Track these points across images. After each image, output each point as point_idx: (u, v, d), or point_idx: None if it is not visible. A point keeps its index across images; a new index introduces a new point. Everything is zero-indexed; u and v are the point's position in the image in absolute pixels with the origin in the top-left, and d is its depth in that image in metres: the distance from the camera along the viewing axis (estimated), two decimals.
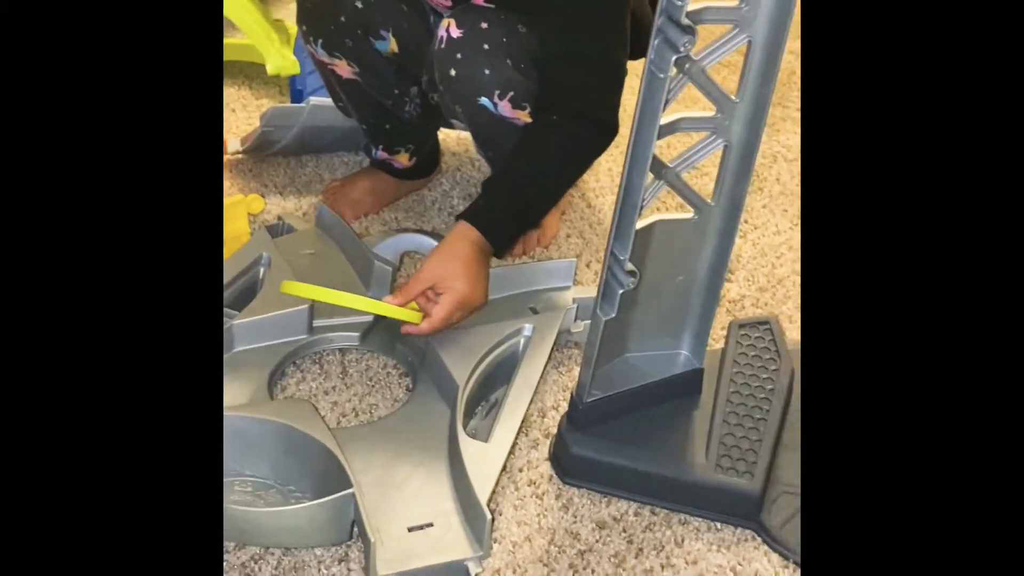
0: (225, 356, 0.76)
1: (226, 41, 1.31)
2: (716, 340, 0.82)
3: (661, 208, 1.03)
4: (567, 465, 0.70)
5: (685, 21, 0.50)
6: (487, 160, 0.96)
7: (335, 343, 0.82)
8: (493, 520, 0.64)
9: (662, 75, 0.53)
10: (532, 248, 0.99)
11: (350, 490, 0.62)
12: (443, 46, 0.82)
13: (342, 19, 0.86)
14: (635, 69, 1.10)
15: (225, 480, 0.65)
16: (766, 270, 0.97)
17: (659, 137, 0.57)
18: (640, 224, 0.61)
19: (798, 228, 1.04)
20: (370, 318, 0.81)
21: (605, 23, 0.78)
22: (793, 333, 0.88)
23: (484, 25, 0.80)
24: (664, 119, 0.56)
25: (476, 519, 0.62)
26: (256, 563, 0.64)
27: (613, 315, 0.63)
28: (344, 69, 0.90)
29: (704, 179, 0.99)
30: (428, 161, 1.06)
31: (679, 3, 0.50)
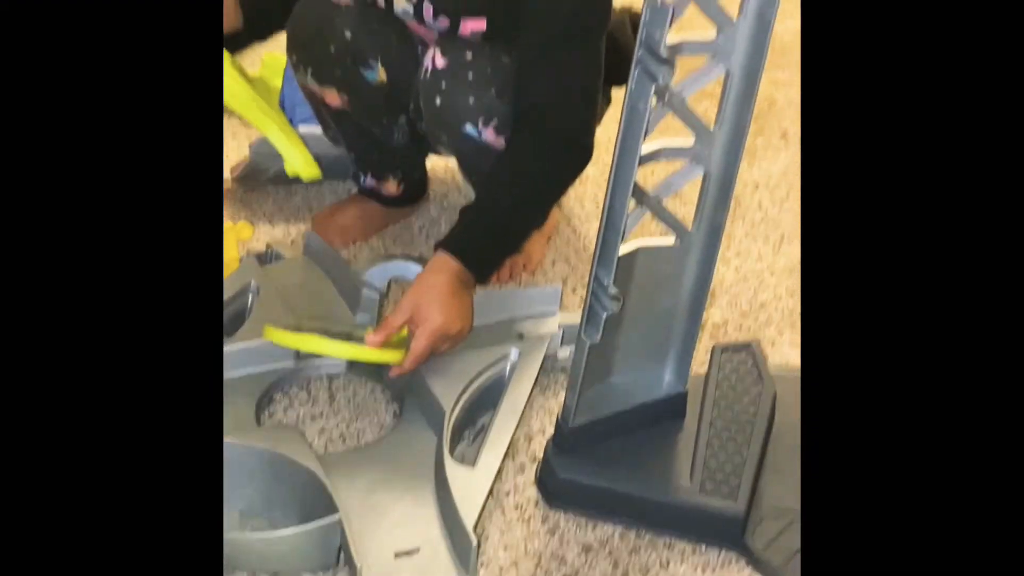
0: None
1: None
2: (699, 364, 0.83)
3: (644, 233, 1.05)
4: (553, 489, 0.71)
5: (664, 53, 0.52)
6: (472, 186, 0.97)
7: (322, 369, 0.82)
8: (479, 545, 0.65)
9: (642, 105, 0.54)
10: (518, 273, 1.00)
11: (336, 516, 0.62)
12: (429, 76, 0.84)
13: (332, 49, 0.88)
14: (620, 97, 1.12)
15: None
16: (748, 295, 0.98)
17: (640, 164, 0.58)
18: (623, 250, 0.63)
19: (779, 254, 1.06)
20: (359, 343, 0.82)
21: (580, 45, 0.80)
22: (775, 357, 0.89)
23: (468, 56, 0.82)
24: (645, 148, 0.58)
25: (462, 544, 0.62)
26: None
27: (598, 339, 0.64)
28: (333, 98, 0.91)
29: (687, 207, 1.01)
30: (416, 188, 1.07)
31: (657, 36, 0.51)
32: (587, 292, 0.64)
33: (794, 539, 0.65)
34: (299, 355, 0.80)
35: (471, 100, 0.82)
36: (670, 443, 0.72)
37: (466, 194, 1.13)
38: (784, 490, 0.68)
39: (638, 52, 0.53)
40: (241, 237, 0.93)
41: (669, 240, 0.66)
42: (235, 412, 0.74)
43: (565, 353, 0.84)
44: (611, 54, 0.87)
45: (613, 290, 0.62)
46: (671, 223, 0.64)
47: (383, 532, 0.64)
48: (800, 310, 0.94)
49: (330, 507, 0.63)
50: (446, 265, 0.78)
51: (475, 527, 0.63)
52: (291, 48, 0.91)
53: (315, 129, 1.04)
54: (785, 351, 0.91)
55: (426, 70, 0.84)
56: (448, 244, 0.79)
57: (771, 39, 0.55)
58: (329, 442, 0.77)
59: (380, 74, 0.90)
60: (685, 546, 0.69)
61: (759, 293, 0.99)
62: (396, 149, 0.98)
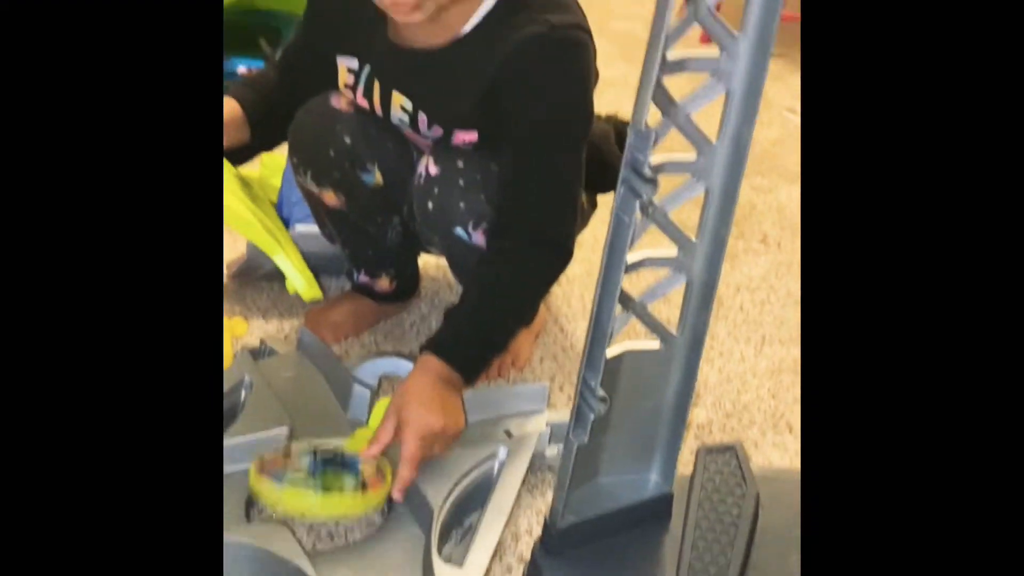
0: None
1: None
2: (684, 464, 0.84)
3: (630, 333, 1.07)
4: None
5: (648, 173, 0.55)
6: (462, 284, 1.00)
7: None
8: None
9: (627, 219, 0.58)
10: (506, 371, 1.02)
11: None
12: (422, 182, 0.88)
13: (331, 153, 0.92)
14: (605, 201, 1.17)
15: None
16: (732, 396, 1.01)
17: (626, 273, 0.61)
18: (610, 353, 0.65)
19: (761, 356, 1.09)
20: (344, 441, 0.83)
21: (562, 152, 0.84)
22: (757, 458, 0.91)
23: (460, 164, 0.86)
24: (631, 257, 0.61)
25: None
26: None
27: (585, 440, 0.66)
28: (331, 199, 0.95)
29: (672, 308, 1.05)
30: (407, 285, 1.10)
31: (642, 157, 0.55)
32: (575, 394, 0.66)
33: None
34: (289, 453, 0.81)
35: (462, 205, 0.86)
36: (656, 545, 0.73)
37: (456, 291, 1.16)
38: None
39: (624, 171, 0.57)
40: (236, 333, 0.94)
41: (654, 344, 0.68)
42: (225, 508, 0.74)
43: (553, 452, 0.85)
44: (596, 163, 0.91)
45: (600, 392, 0.64)
46: (656, 328, 0.67)
47: None
48: (800, 410, 0.95)
49: None
50: (432, 367, 0.80)
51: None
52: (292, 151, 0.95)
53: (311, 228, 1.08)
54: (767, 452, 0.92)
55: (420, 176, 0.88)
56: (434, 346, 0.81)
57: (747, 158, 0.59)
58: (318, 540, 0.77)
59: (377, 177, 0.94)
60: None
61: (742, 394, 1.01)
62: (389, 248, 1.02)
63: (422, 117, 0.88)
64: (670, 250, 0.63)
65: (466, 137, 0.87)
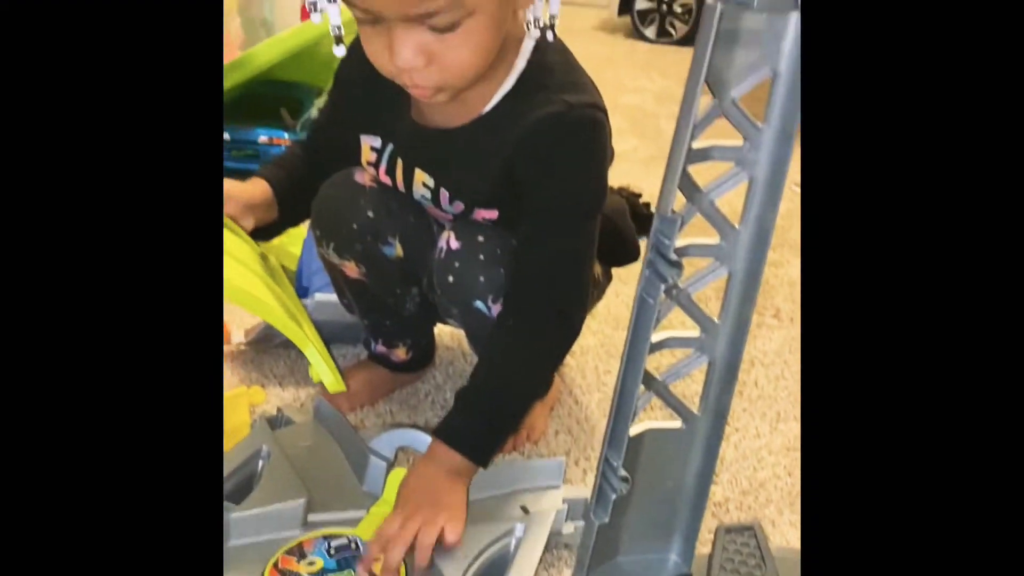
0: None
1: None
2: (702, 543, 0.84)
3: (651, 412, 1.08)
4: None
5: (673, 257, 0.57)
6: (478, 355, 1.00)
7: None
8: None
9: (652, 301, 0.59)
10: (521, 445, 1.02)
11: None
12: (443, 256, 0.89)
13: (354, 226, 0.94)
14: (620, 275, 1.18)
15: None
16: (748, 473, 1.00)
17: (649, 353, 0.62)
18: (632, 432, 0.65)
19: (777, 431, 1.08)
20: (363, 513, 0.82)
21: (574, 227, 0.85)
22: (775, 538, 0.90)
23: (480, 239, 0.88)
24: (654, 337, 0.62)
25: None
26: None
27: (606, 520, 0.66)
28: (352, 270, 0.96)
29: (692, 384, 1.05)
30: (423, 355, 1.11)
31: (667, 242, 0.57)
32: (596, 472, 0.66)
33: None
34: (307, 523, 0.81)
35: (482, 279, 0.87)
36: None
37: (471, 361, 1.16)
38: None
39: (650, 254, 0.58)
40: (254, 401, 0.95)
41: (676, 423, 0.69)
42: None
43: (570, 529, 0.84)
44: (611, 236, 0.93)
45: (622, 472, 0.64)
46: (678, 408, 0.67)
47: None
48: (800, 490, 0.95)
49: None
50: (440, 456, 0.81)
51: None
52: (315, 224, 0.97)
53: (330, 297, 1.09)
54: (785, 531, 0.91)
55: (441, 250, 0.90)
56: (444, 432, 0.82)
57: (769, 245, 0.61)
58: None
59: (398, 249, 0.95)
60: None
61: (758, 471, 1.00)
62: (407, 318, 1.03)
63: (444, 193, 0.90)
64: (693, 330, 0.64)
65: (487, 215, 0.89)
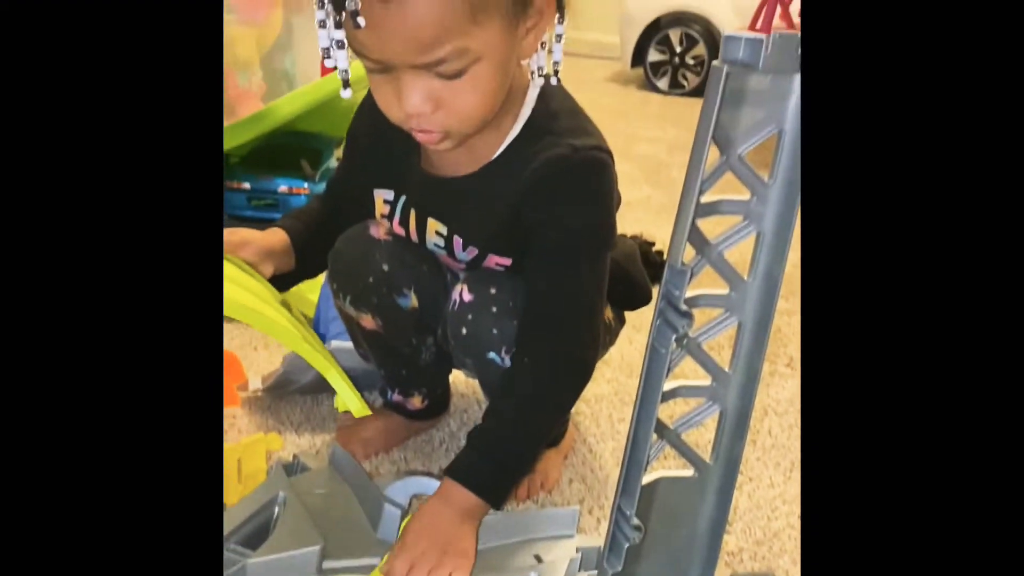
0: None
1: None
2: None
3: (663, 460, 1.08)
4: None
5: (683, 307, 0.58)
6: (489, 402, 1.01)
7: None
8: None
9: (663, 351, 0.60)
10: (535, 493, 1.02)
11: None
12: (456, 308, 0.91)
13: (370, 280, 0.96)
14: (633, 323, 1.19)
15: None
16: (762, 523, 1.00)
17: (661, 402, 0.63)
18: (644, 480, 0.66)
19: (791, 480, 1.08)
20: (376, 560, 0.83)
21: (584, 270, 0.86)
22: None
23: (492, 291, 0.89)
24: (665, 386, 0.63)
25: None
26: None
27: (619, 568, 0.66)
28: (368, 322, 0.98)
29: (707, 435, 1.05)
30: (439, 403, 1.12)
31: (678, 293, 0.58)
32: (609, 521, 0.66)
33: None
34: (321, 570, 0.81)
35: (495, 331, 0.89)
36: None
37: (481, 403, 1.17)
38: None
39: (660, 304, 0.60)
40: (271, 448, 0.96)
41: (688, 472, 0.69)
42: None
43: None
44: (622, 281, 0.94)
45: (635, 521, 0.64)
46: (690, 456, 0.68)
47: None
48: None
49: None
50: (452, 496, 0.81)
51: None
52: (332, 277, 0.99)
53: (347, 344, 1.11)
54: None
55: (454, 302, 0.91)
56: (456, 471, 0.83)
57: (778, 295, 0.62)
58: None
59: (412, 300, 0.97)
60: None
61: (772, 521, 1.00)
62: (423, 367, 1.04)
63: (457, 241, 0.91)
64: (704, 379, 0.65)
65: (500, 261, 0.91)
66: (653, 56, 4.32)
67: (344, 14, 0.70)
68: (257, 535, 0.84)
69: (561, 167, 0.83)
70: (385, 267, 0.95)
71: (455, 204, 0.90)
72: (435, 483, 0.93)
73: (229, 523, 0.83)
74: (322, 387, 1.16)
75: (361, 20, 0.70)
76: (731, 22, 3.97)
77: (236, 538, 0.82)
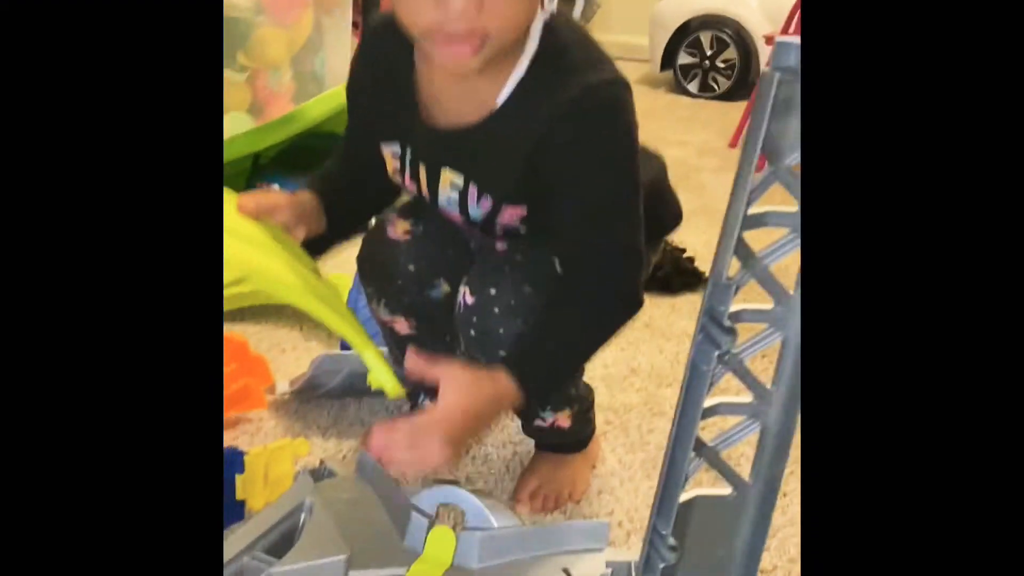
0: None
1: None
2: None
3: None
4: None
5: (727, 323, 0.56)
6: None
7: None
8: None
9: (705, 367, 0.58)
10: (563, 503, 1.00)
11: None
12: (461, 311, 0.90)
13: (399, 282, 0.95)
14: (663, 331, 1.16)
15: None
16: (796, 540, 0.97)
17: (701, 419, 0.61)
18: (681, 498, 0.64)
19: None
20: (403, 571, 0.81)
21: (620, 212, 0.83)
22: None
23: (492, 292, 0.88)
24: (706, 403, 0.61)
25: None
26: None
27: None
28: (402, 326, 0.97)
29: (746, 450, 1.03)
30: None
31: (722, 308, 0.56)
32: (644, 541, 0.65)
33: None
34: None
35: (501, 331, 0.88)
36: None
37: (512, 416, 1.15)
38: None
39: (703, 318, 0.58)
40: (298, 454, 0.95)
41: (726, 490, 0.67)
42: None
43: None
44: (653, 207, 0.89)
45: (671, 540, 0.62)
46: (728, 475, 0.65)
47: None
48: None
49: None
50: (493, 376, 0.80)
51: None
52: (365, 282, 0.98)
53: (379, 349, 1.10)
54: None
55: (459, 305, 0.91)
56: (508, 360, 0.81)
57: None
58: None
59: (444, 288, 0.96)
60: None
61: None
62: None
63: (472, 191, 0.87)
64: (745, 396, 0.63)
65: (515, 212, 0.87)
66: (683, 59, 4.28)
67: None
68: (283, 542, 0.83)
69: (574, 116, 0.79)
70: (411, 267, 0.94)
71: (466, 155, 0.86)
72: (463, 493, 0.92)
73: (254, 529, 0.82)
74: (350, 391, 1.15)
75: None
76: (762, 26, 3.92)
77: (261, 545, 0.81)
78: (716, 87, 4.23)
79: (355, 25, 1.99)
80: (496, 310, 0.87)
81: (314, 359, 1.11)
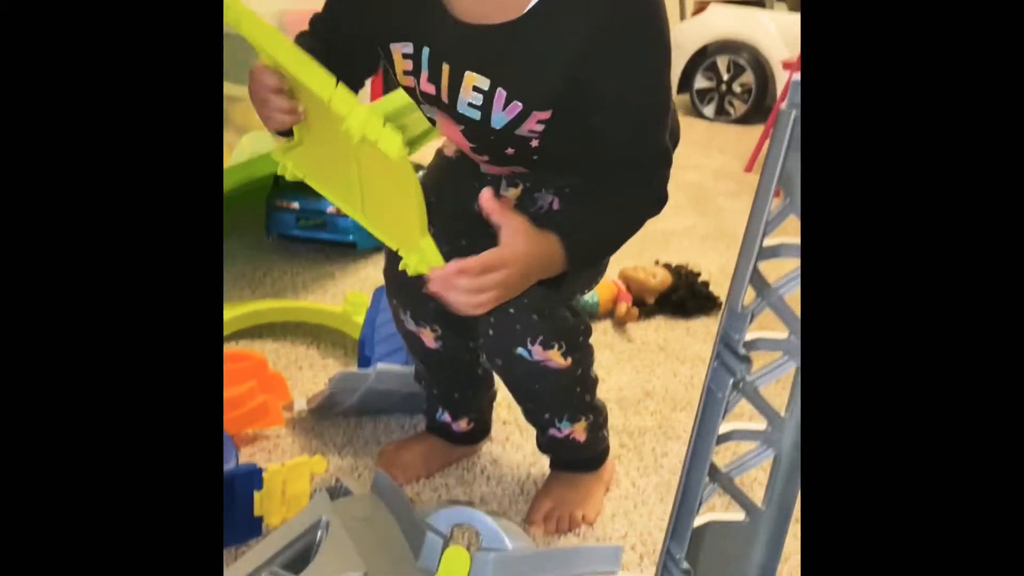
0: None
1: (299, 304, 1.43)
2: None
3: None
4: None
5: (742, 351, 0.57)
6: (525, 413, 1.02)
7: None
8: None
9: (720, 395, 0.59)
10: (577, 525, 1.01)
11: None
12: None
13: (423, 291, 0.96)
14: (677, 355, 1.16)
15: None
16: None
17: (715, 445, 0.62)
18: (695, 523, 0.65)
19: None
20: None
21: (657, 117, 0.85)
22: None
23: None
24: (720, 429, 0.62)
25: None
26: None
27: None
28: (428, 338, 1.00)
29: (754, 483, 1.03)
30: (482, 428, 1.12)
31: (737, 336, 0.57)
32: (658, 565, 0.65)
33: None
34: None
35: (517, 327, 0.90)
36: None
37: (527, 436, 1.16)
38: None
39: (718, 346, 0.59)
40: (315, 471, 0.96)
41: (739, 515, 0.68)
42: None
43: None
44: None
45: (685, 564, 0.63)
46: (742, 500, 0.66)
47: None
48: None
49: None
50: (551, 239, 0.80)
51: None
52: (391, 293, 1.01)
53: (392, 366, 1.12)
54: None
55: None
56: (560, 226, 0.82)
57: None
58: None
59: None
60: None
61: None
62: (479, 381, 1.06)
63: (500, 96, 0.84)
64: (759, 423, 0.64)
65: (541, 116, 0.85)
66: (700, 83, 4.31)
67: None
68: (300, 559, 0.84)
69: (618, 23, 0.79)
70: None
71: (496, 56, 0.83)
72: (478, 514, 0.93)
73: (272, 545, 0.83)
74: (367, 409, 1.16)
75: None
76: (779, 51, 3.94)
77: (279, 561, 0.83)
78: (732, 111, 4.25)
79: None
80: (511, 310, 0.89)
81: (332, 377, 1.13)
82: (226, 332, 1.27)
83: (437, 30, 0.84)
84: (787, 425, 0.64)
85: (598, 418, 1.02)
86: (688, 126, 4.03)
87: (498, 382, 1.10)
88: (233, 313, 1.30)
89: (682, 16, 4.78)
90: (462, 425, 1.08)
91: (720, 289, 1.70)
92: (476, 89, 0.84)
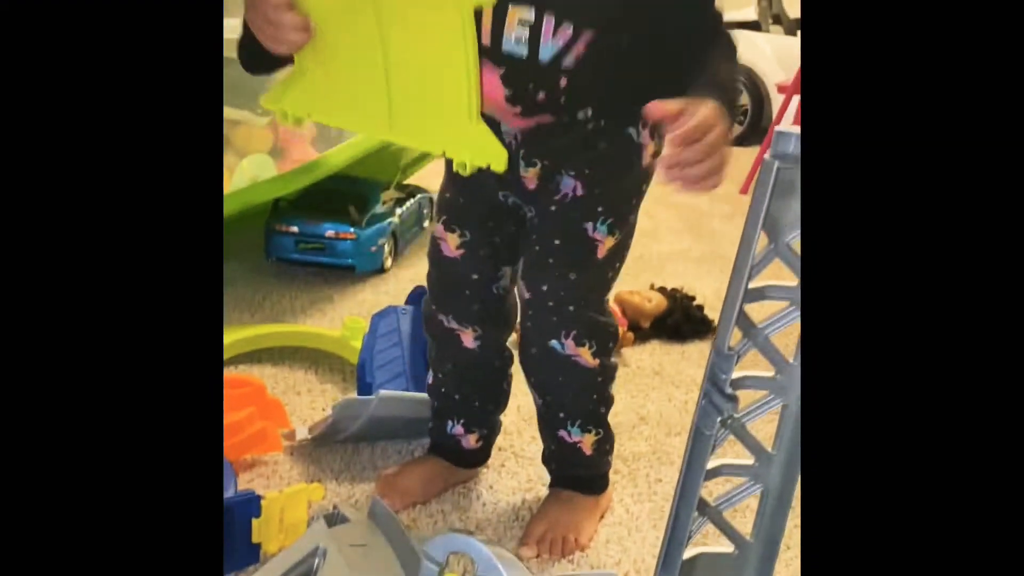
0: None
1: (297, 329, 1.45)
2: None
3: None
4: None
5: (729, 391, 0.59)
6: (541, 410, 1.05)
7: None
8: None
9: (708, 432, 0.60)
10: (571, 550, 1.02)
11: None
12: (521, 304, 0.99)
13: (467, 292, 1.01)
14: (672, 379, 1.17)
15: None
16: None
17: (704, 480, 0.63)
18: (685, 555, 0.66)
19: None
20: None
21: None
22: None
23: (544, 288, 0.96)
24: (709, 464, 0.63)
25: None
26: None
27: None
28: (468, 338, 1.03)
29: (746, 511, 1.05)
30: (486, 448, 1.14)
31: (724, 376, 0.59)
32: None
33: None
34: None
35: (554, 319, 0.96)
36: None
37: (524, 464, 1.17)
38: None
39: (705, 385, 0.61)
40: (312, 498, 0.97)
41: (728, 548, 0.69)
42: None
43: None
44: None
45: None
46: (730, 533, 0.68)
47: None
48: None
49: None
50: (714, 103, 0.76)
51: None
52: (432, 299, 1.05)
53: (394, 393, 1.13)
54: None
55: (519, 298, 0.98)
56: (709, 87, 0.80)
57: None
58: None
59: (507, 276, 1.02)
60: None
61: None
62: (502, 393, 1.10)
63: (548, 24, 0.83)
64: (747, 459, 0.66)
65: (588, 37, 0.84)
66: None
67: None
68: None
69: None
70: (475, 276, 1.00)
71: None
72: (474, 542, 0.94)
73: (269, 573, 0.85)
74: (367, 437, 1.18)
75: None
76: (775, 74, 3.98)
77: None
78: None
79: None
80: (550, 303, 0.95)
81: (335, 404, 1.14)
82: (226, 356, 1.29)
83: None
84: (775, 460, 0.66)
85: (607, 437, 1.05)
86: None
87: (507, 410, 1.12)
88: (233, 337, 1.32)
89: None
90: (471, 441, 1.10)
91: (715, 313, 1.71)
92: (522, 23, 0.84)
